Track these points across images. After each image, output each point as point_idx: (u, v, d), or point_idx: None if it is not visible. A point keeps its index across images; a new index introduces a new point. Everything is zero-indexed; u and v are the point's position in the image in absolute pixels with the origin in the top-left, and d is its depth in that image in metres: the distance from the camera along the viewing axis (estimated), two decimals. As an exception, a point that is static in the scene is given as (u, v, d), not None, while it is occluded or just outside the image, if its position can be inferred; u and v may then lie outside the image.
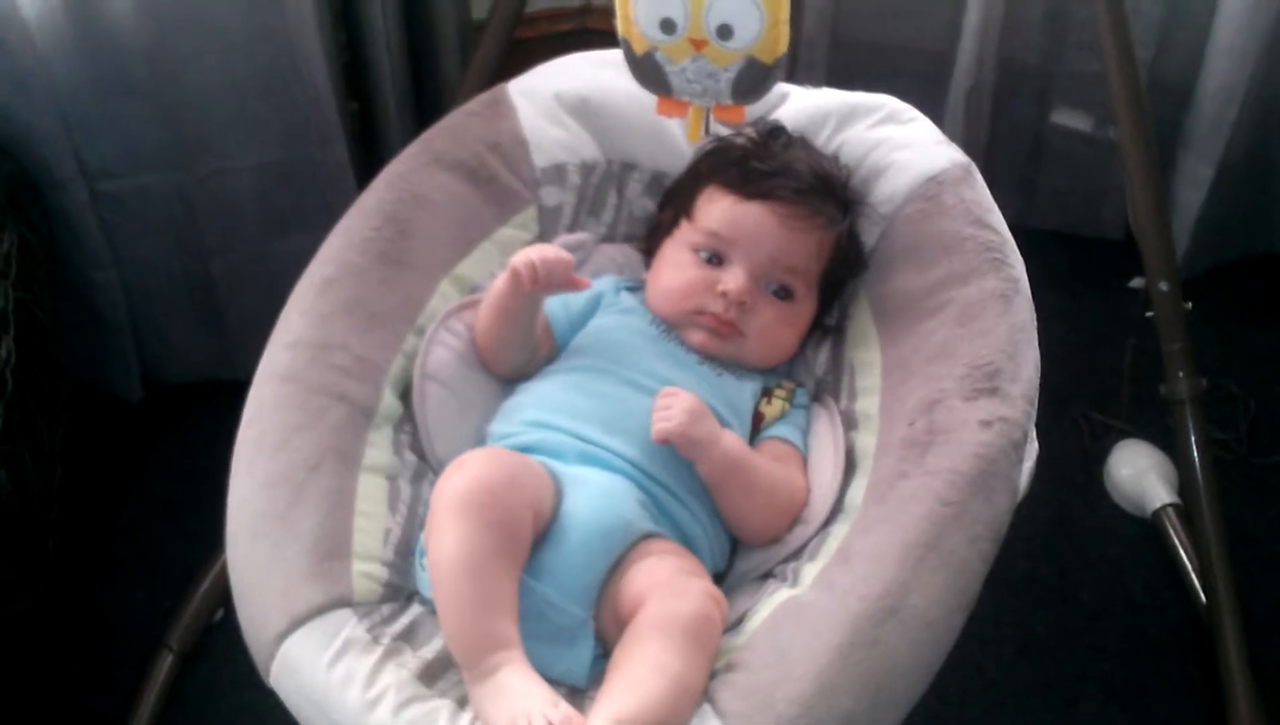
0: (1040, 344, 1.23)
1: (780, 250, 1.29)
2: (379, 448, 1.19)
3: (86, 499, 1.79)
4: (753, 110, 1.43)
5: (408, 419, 1.25)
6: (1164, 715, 1.61)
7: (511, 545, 1.06)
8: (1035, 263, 1.30)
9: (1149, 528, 1.79)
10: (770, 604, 1.12)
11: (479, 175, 1.38)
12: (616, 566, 1.13)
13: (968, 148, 2.00)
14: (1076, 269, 2.12)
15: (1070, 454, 1.89)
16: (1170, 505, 1.76)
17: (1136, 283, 1.67)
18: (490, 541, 1.04)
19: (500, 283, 1.24)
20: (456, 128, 1.40)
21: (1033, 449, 1.23)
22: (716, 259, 1.30)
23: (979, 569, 1.09)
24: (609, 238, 1.47)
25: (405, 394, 1.25)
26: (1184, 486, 1.72)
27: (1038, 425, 1.19)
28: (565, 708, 0.97)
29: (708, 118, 1.28)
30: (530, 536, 1.08)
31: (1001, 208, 1.33)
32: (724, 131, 1.42)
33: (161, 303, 1.83)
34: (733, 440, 1.20)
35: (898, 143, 1.38)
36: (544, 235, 1.42)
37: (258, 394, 1.19)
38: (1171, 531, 1.74)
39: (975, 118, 2.05)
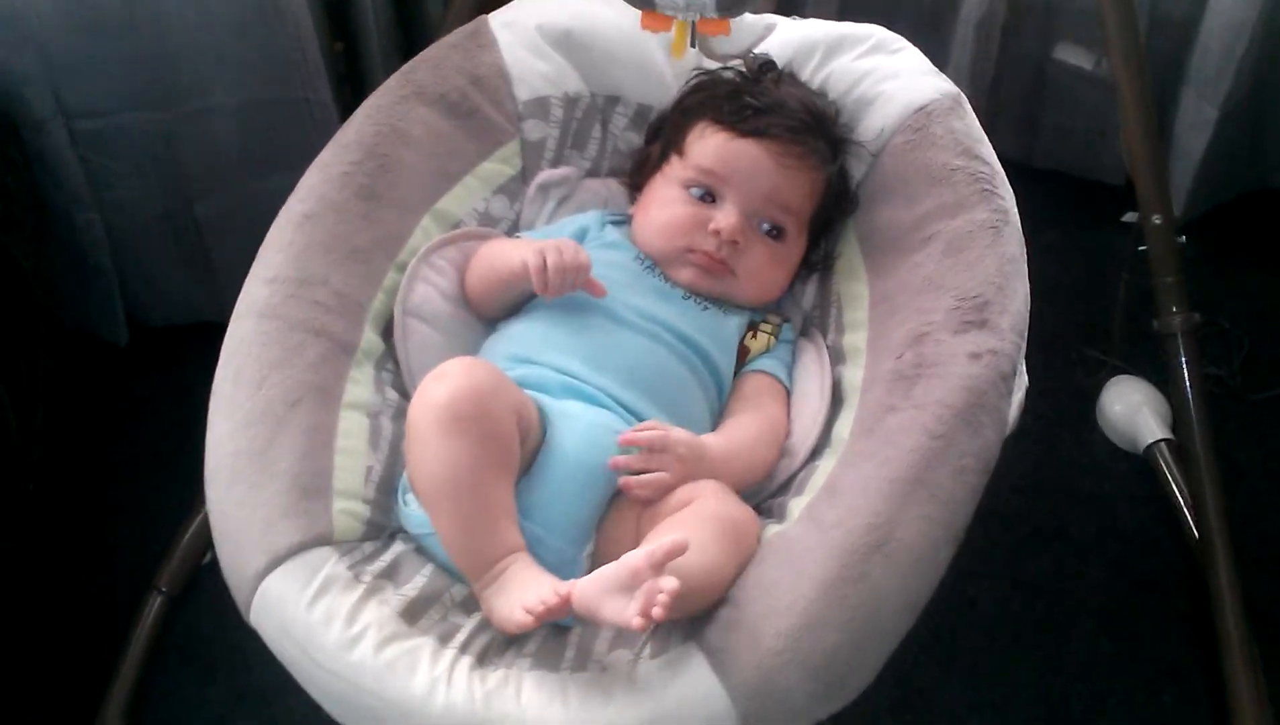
0: (1032, 280, 1.21)
1: (774, 189, 1.27)
2: (360, 384, 1.17)
3: (74, 443, 1.78)
4: (739, 42, 1.41)
5: (389, 356, 1.23)
6: (1156, 650, 1.60)
7: (503, 454, 1.05)
8: (1032, 200, 1.28)
9: (1141, 463, 1.77)
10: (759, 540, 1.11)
11: (460, 108, 1.35)
12: (619, 496, 1.12)
13: (975, 81, 2.00)
14: (1073, 208, 2.10)
15: (1063, 390, 1.88)
16: (1163, 441, 1.74)
17: (1130, 217, 1.65)
18: (481, 453, 1.03)
19: (511, 262, 1.22)
20: (437, 60, 1.37)
21: (1022, 382, 1.21)
22: (708, 196, 1.28)
23: (967, 502, 1.07)
24: (593, 172, 1.45)
25: (387, 331, 1.24)
26: (1176, 422, 1.71)
27: (1030, 361, 1.17)
28: (565, 589, 0.97)
29: (693, 32, 1.25)
30: (518, 442, 1.06)
31: (1003, 145, 1.31)
32: (711, 65, 1.40)
33: (146, 245, 1.80)
34: (714, 447, 1.16)
35: (885, 73, 1.35)
36: (528, 169, 1.40)
37: (235, 331, 1.17)
38: (1164, 467, 1.73)
39: (983, 51, 2.01)
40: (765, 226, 1.28)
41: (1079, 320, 1.94)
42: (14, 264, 1.49)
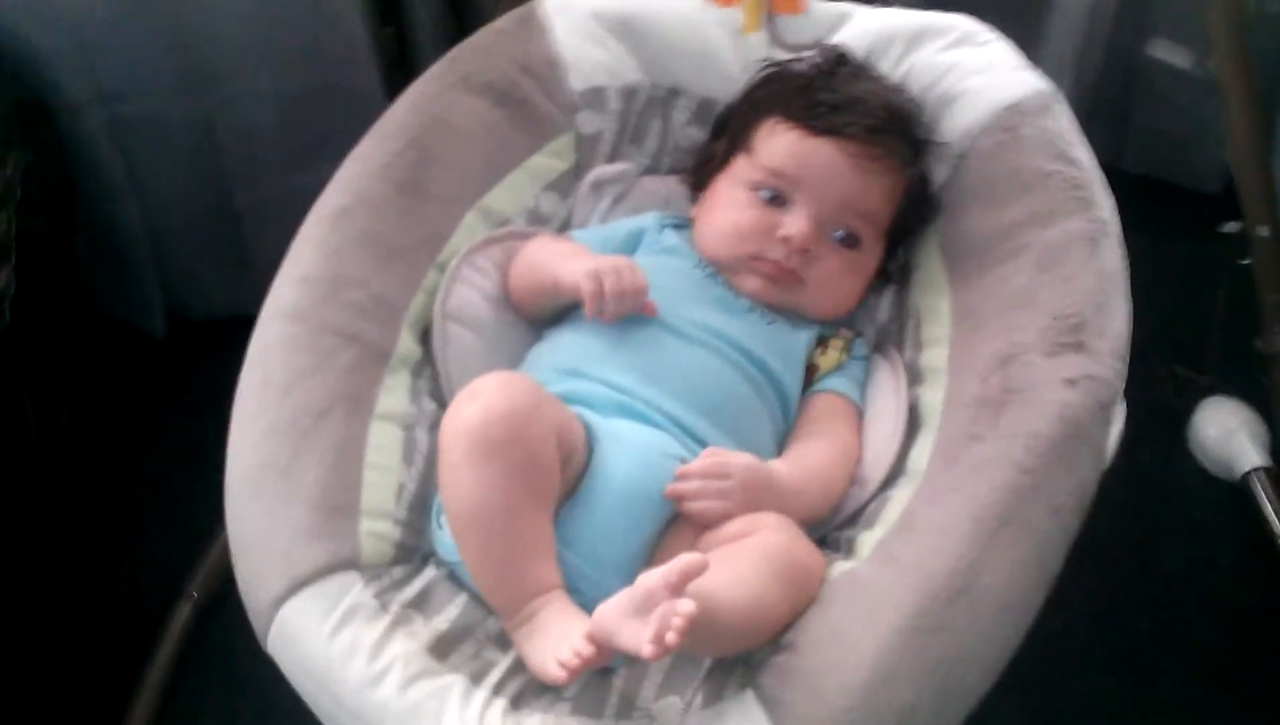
0: None
1: (850, 193, 1.16)
2: (395, 394, 1.09)
3: (107, 439, 1.72)
4: (812, 31, 1.31)
5: (427, 363, 1.15)
6: (1252, 694, 1.49)
7: (540, 482, 0.96)
8: (1120, 205, 1.17)
9: (1237, 492, 1.65)
10: (825, 577, 1.01)
11: (510, 98, 1.26)
12: (674, 523, 1.03)
13: (1079, 78, 1.87)
14: (1164, 215, 1.95)
15: (1152, 410, 1.74)
16: (1262, 468, 1.63)
17: (1231, 227, 1.53)
18: (515, 483, 0.94)
19: (560, 277, 1.13)
20: (485, 47, 1.28)
21: (1121, 410, 1.10)
22: (778, 199, 1.18)
23: (1061, 545, 0.99)
24: (652, 169, 1.35)
25: (425, 336, 1.15)
26: (1278, 448, 1.60)
27: None
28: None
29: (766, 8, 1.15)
30: (558, 469, 0.97)
31: (1091, 144, 1.20)
32: (781, 56, 1.29)
33: (185, 235, 1.73)
34: (782, 476, 1.07)
35: (971, 68, 1.24)
36: (581, 164, 1.30)
37: (262, 334, 1.09)
38: (1263, 496, 1.61)
39: (1090, 44, 1.88)
40: (839, 234, 1.17)
41: (1169, 335, 1.81)
42: (41, 253, 1.41)
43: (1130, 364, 1.12)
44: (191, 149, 1.65)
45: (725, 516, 1.01)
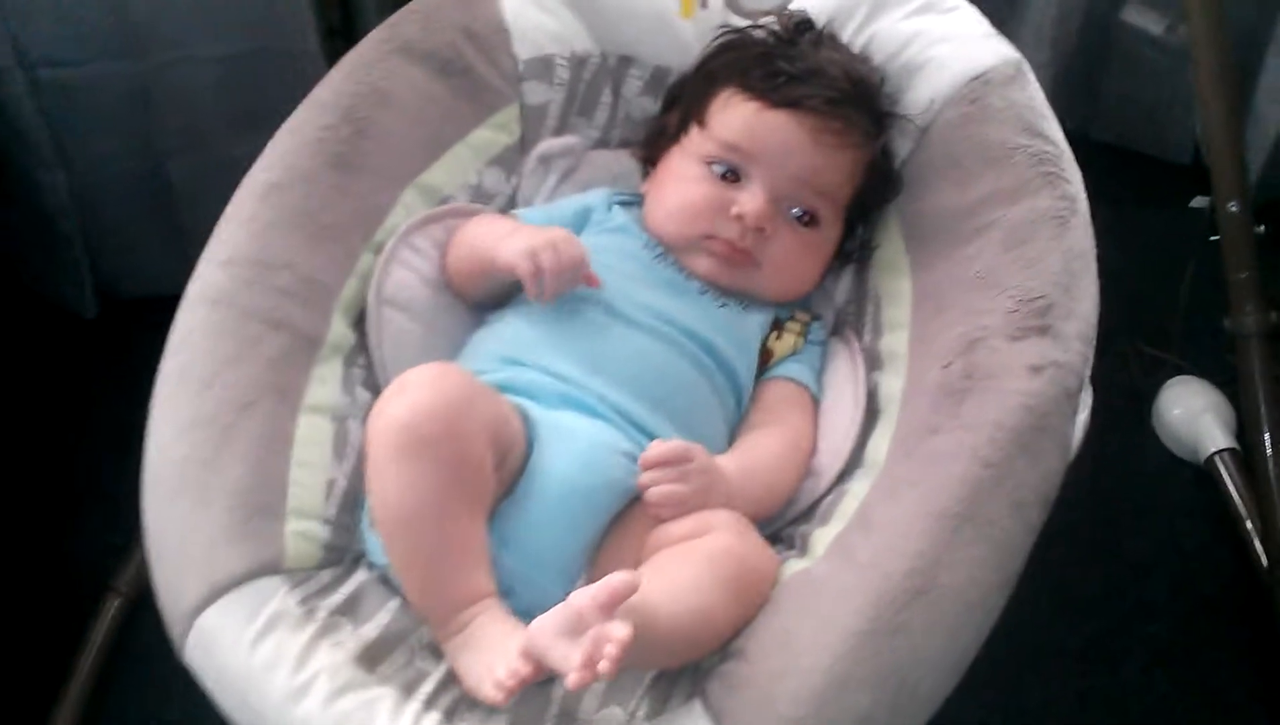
0: None
1: (808, 169, 1.11)
2: (326, 384, 1.03)
3: (34, 424, 1.65)
4: (772, -3, 1.25)
5: (362, 350, 1.09)
6: (1215, 682, 1.46)
7: (472, 483, 0.90)
8: (1088, 176, 1.12)
9: (1203, 474, 1.62)
10: (778, 576, 0.96)
11: (452, 67, 1.19)
12: (619, 522, 0.98)
13: (1056, 46, 1.81)
14: (1132, 186, 1.92)
15: (1116, 391, 1.71)
16: (1227, 450, 1.59)
17: (1199, 202, 1.49)
18: (445, 483, 0.88)
19: (497, 257, 1.07)
20: (428, 11, 1.21)
21: (1087, 397, 1.06)
22: (732, 175, 1.12)
23: (1023, 541, 0.95)
24: (602, 142, 1.29)
25: (359, 321, 1.09)
26: (1244, 430, 1.56)
27: None
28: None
29: None
30: (492, 468, 0.92)
31: (1060, 112, 1.15)
32: (740, 22, 1.23)
33: (116, 208, 1.66)
34: (728, 469, 1.02)
35: (936, 35, 1.19)
36: (527, 138, 1.24)
37: (185, 320, 1.03)
38: (1228, 479, 1.58)
39: (1066, 10, 1.83)
40: (796, 212, 1.12)
41: (1136, 312, 1.77)
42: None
43: (1096, 343, 1.08)
44: (122, 116, 1.58)
45: (682, 504, 0.96)
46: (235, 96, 1.60)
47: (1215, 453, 1.60)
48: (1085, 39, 1.87)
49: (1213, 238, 1.46)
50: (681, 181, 1.13)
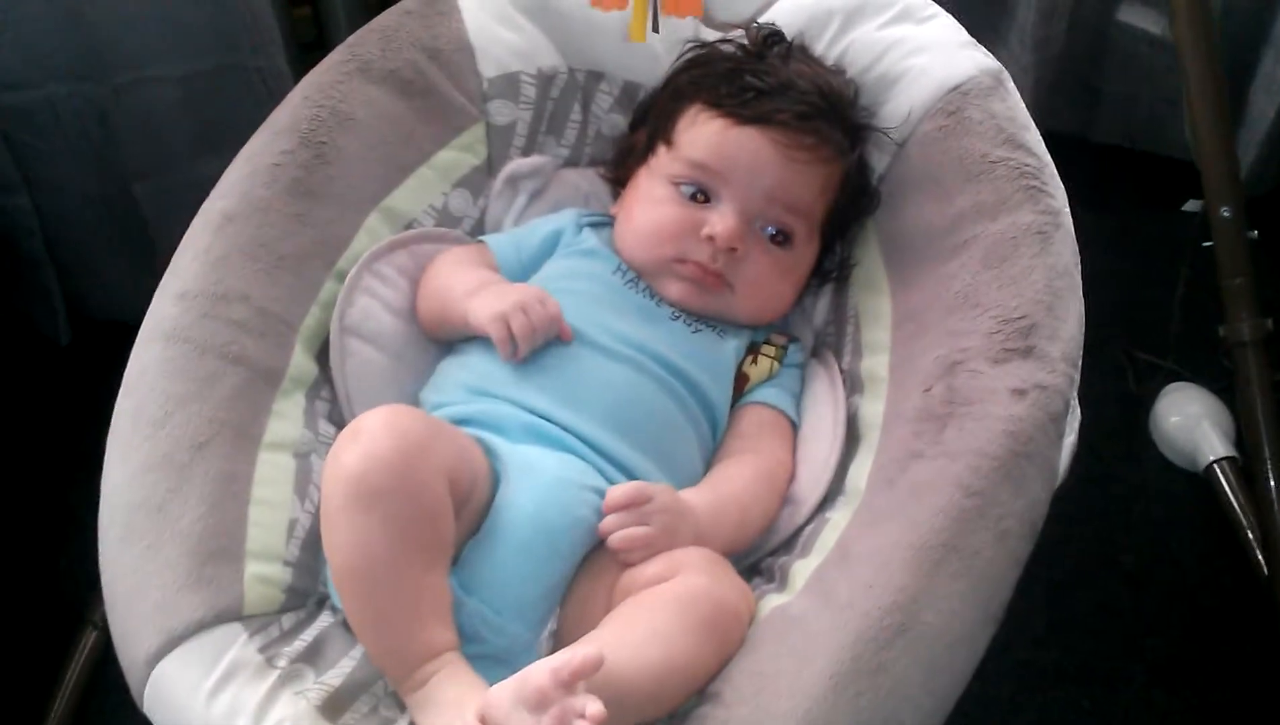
0: (1083, 272, 1.03)
1: (779, 186, 1.07)
2: (286, 419, 1.00)
3: (11, 450, 1.63)
4: (742, 8, 1.22)
5: (325, 382, 1.06)
6: (1216, 699, 1.42)
7: (429, 534, 0.87)
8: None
9: (1201, 484, 1.58)
10: (755, 613, 0.92)
11: (414, 87, 1.16)
12: (589, 563, 0.94)
13: (1040, 49, 1.78)
14: (1134, 189, 1.88)
15: (1111, 398, 1.68)
16: (1226, 459, 1.56)
17: (1192, 206, 1.45)
18: (399, 536, 0.85)
19: (465, 314, 1.04)
20: (388, 30, 1.18)
21: (1076, 418, 1.02)
22: (701, 195, 1.09)
23: (1009, 574, 0.91)
24: (572, 161, 1.26)
25: (322, 353, 1.06)
26: (1243, 439, 1.53)
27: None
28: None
29: (654, 10, 1.03)
30: (451, 516, 0.88)
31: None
32: (710, 36, 1.19)
33: (85, 232, 1.63)
34: (698, 505, 0.98)
35: (913, 45, 1.15)
36: (494, 158, 1.21)
37: (139, 357, 1.00)
38: (1227, 489, 1.54)
39: (1049, 11, 1.79)
40: (769, 231, 1.08)
41: (1133, 318, 1.74)
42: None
43: (1089, 348, 1.04)
44: (83, 139, 1.55)
45: (648, 547, 0.93)
46: (201, 116, 1.58)
47: (1214, 461, 1.56)
48: (1079, 40, 1.84)
49: (1206, 244, 1.42)
50: (649, 204, 1.10)
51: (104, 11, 1.46)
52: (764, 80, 1.09)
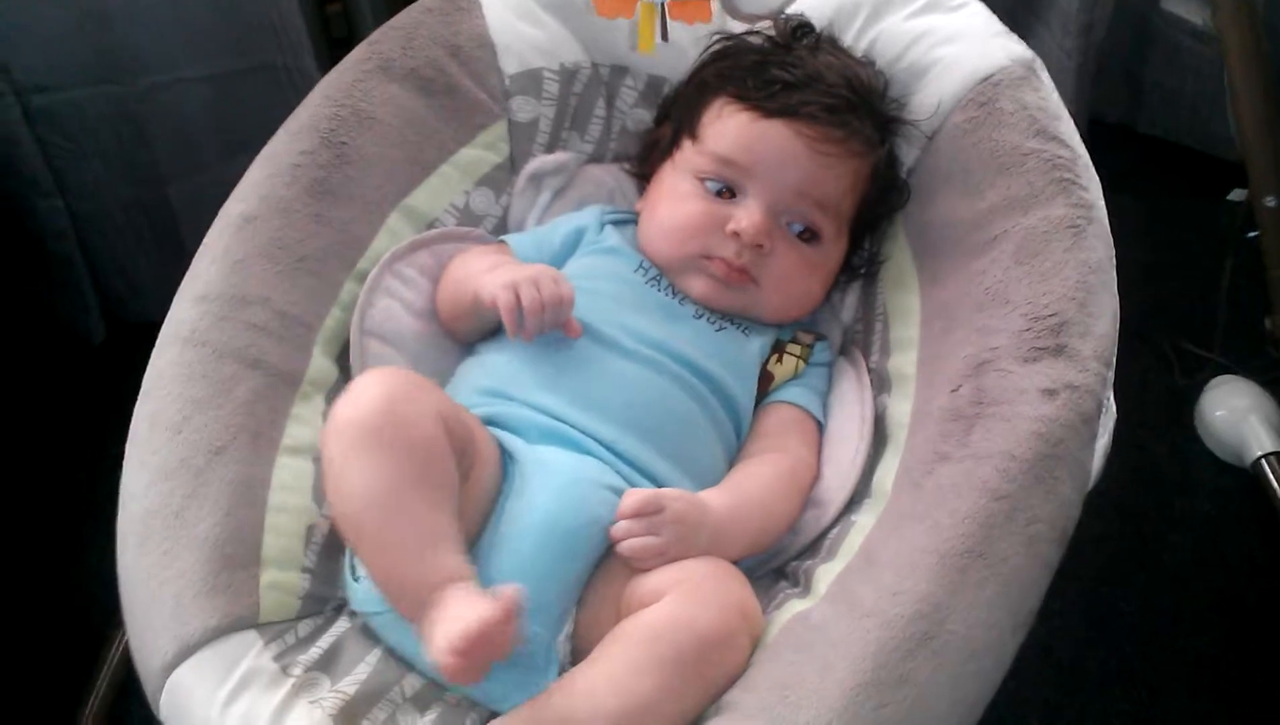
0: (1129, 262, 1.00)
1: (807, 181, 1.05)
2: (306, 423, 0.99)
3: (45, 449, 1.63)
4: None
5: (345, 385, 1.03)
6: (1265, 702, 1.38)
7: (430, 468, 0.86)
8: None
9: (1248, 480, 1.55)
10: (774, 619, 0.91)
11: (435, 85, 1.15)
12: (604, 566, 0.92)
13: (1082, 32, 1.74)
14: (1179, 176, 1.84)
15: (1157, 391, 1.64)
16: (1274, 454, 1.52)
17: (1237, 195, 1.41)
18: (400, 469, 0.85)
19: (479, 291, 1.03)
20: (409, 28, 1.17)
21: (1109, 418, 0.99)
22: (727, 191, 1.07)
23: (1039, 579, 0.89)
24: (596, 157, 1.24)
25: (343, 355, 1.05)
26: (1291, 434, 1.48)
27: (1119, 356, 0.96)
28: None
29: (663, 16, 1.01)
30: (450, 456, 0.87)
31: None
32: (737, 27, 1.17)
33: (117, 233, 1.64)
34: (717, 507, 0.95)
35: (943, 35, 1.13)
36: (516, 155, 1.19)
37: (157, 361, 0.99)
38: (1275, 484, 1.51)
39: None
40: (796, 228, 1.06)
41: (1181, 309, 1.70)
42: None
43: (1134, 339, 1.01)
44: (113, 141, 1.56)
45: (660, 555, 0.91)
46: (230, 117, 1.58)
47: (1262, 456, 1.53)
48: (1123, 27, 1.79)
49: (1250, 234, 1.38)
50: (674, 199, 1.08)
51: (124, 14, 1.48)
52: (791, 72, 1.07)
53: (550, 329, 1.00)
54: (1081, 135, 1.07)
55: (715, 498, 0.96)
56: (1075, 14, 1.71)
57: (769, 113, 1.06)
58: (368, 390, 0.88)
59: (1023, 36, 1.13)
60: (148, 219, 1.63)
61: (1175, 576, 1.49)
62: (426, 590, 0.83)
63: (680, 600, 0.86)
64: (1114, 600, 1.46)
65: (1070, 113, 1.08)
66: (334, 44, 1.67)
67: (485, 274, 1.03)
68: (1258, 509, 1.52)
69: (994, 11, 1.16)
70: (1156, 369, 1.67)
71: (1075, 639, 1.42)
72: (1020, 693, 1.37)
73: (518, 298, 0.98)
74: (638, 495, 0.92)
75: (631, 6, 0.98)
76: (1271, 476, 1.51)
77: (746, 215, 1.04)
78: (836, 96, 1.06)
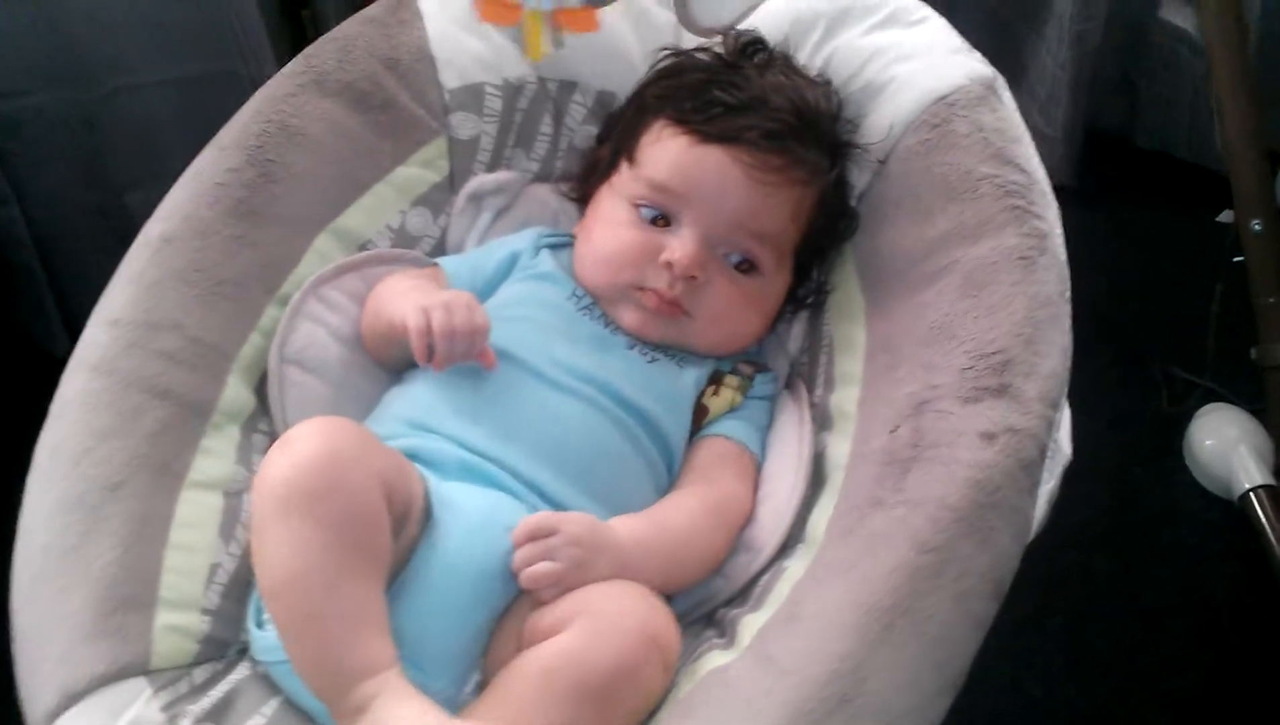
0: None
1: (745, 211, 1.00)
2: (216, 455, 0.95)
3: (7, 464, 1.59)
4: (727, 10, 1.14)
5: (264, 414, 1.00)
6: (1245, 747, 1.32)
7: (364, 540, 0.81)
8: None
9: (1235, 513, 1.48)
10: (694, 671, 0.86)
11: (371, 100, 1.11)
12: (512, 612, 0.88)
13: (1077, 41, 1.69)
14: (1176, 191, 1.76)
15: (1145, 418, 1.58)
16: (1263, 487, 1.45)
17: (1226, 217, 1.35)
18: (332, 541, 0.80)
19: (393, 315, 0.99)
20: (346, 40, 1.13)
21: (1059, 460, 0.94)
22: (663, 218, 1.02)
23: (969, 637, 0.83)
24: (543, 176, 1.19)
25: (262, 383, 1.01)
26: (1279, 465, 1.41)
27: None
28: None
29: (549, 26, 0.96)
30: (387, 525, 0.82)
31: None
32: (695, 41, 1.12)
33: (77, 242, 1.60)
34: (622, 535, 0.90)
35: (900, 53, 1.07)
36: (457, 174, 1.15)
37: (64, 389, 0.96)
38: (1263, 519, 1.44)
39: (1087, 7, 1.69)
40: (735, 258, 1.01)
41: (1174, 330, 1.63)
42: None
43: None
44: (71, 147, 1.52)
45: (557, 582, 0.86)
46: (191, 124, 1.49)
47: (1249, 489, 1.46)
48: (1120, 37, 1.73)
49: (1236, 259, 1.32)
50: (608, 226, 1.03)
51: (84, 18, 1.44)
52: (733, 94, 1.02)
53: (463, 359, 0.95)
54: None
55: (624, 524, 0.91)
56: (1069, 24, 1.66)
57: (707, 138, 1.01)
58: (307, 444, 0.82)
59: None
60: (108, 227, 1.59)
61: (1156, 613, 1.43)
62: (349, 680, 0.78)
63: (579, 633, 0.81)
64: (1090, 636, 1.40)
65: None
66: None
67: (400, 298, 0.98)
68: (1245, 545, 1.45)
69: (991, 24, 1.11)
70: (1146, 394, 1.60)
71: (1048, 674, 1.36)
72: (989, 728, 1.32)
73: (429, 322, 0.93)
74: (530, 520, 0.87)
75: (514, 15, 0.93)
76: (1259, 511, 1.44)
77: (680, 245, 0.99)
78: (779, 121, 1.01)
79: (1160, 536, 1.49)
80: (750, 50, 1.08)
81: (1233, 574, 1.45)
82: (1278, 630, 1.39)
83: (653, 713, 0.83)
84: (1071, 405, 1.58)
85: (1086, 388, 1.59)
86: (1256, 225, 1.28)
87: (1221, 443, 1.50)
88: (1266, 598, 1.41)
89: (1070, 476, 1.49)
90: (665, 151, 1.02)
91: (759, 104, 1.01)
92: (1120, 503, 1.50)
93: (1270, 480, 1.44)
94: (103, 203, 1.57)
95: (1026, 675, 1.36)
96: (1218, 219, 1.41)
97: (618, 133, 1.09)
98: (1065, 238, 0.97)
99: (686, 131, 1.01)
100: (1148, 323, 1.64)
